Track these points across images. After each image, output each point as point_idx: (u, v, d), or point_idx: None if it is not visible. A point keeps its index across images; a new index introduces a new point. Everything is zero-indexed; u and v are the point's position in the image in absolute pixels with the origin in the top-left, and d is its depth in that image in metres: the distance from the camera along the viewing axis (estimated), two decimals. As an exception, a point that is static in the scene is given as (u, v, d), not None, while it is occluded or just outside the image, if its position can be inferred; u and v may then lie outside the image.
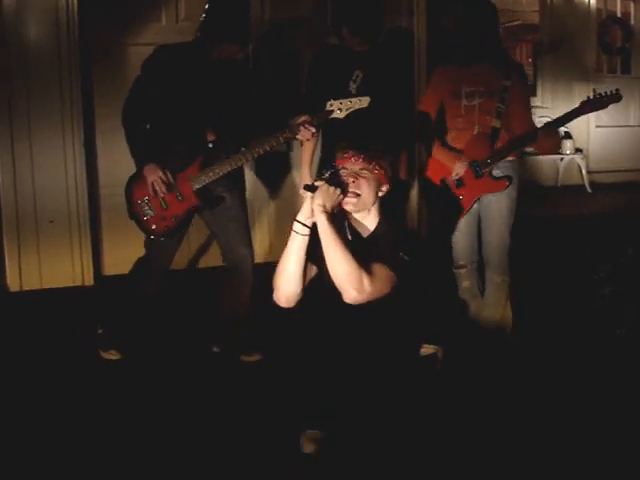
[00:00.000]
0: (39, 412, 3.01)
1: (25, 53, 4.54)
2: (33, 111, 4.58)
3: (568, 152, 7.62)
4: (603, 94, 3.37)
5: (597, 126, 7.93)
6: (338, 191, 2.53)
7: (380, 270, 2.51)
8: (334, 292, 2.50)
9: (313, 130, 3.32)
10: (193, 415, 2.94)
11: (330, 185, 2.52)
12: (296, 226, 2.53)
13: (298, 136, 3.34)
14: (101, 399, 3.12)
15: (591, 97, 3.40)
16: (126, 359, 3.52)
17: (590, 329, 3.79)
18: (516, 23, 9.54)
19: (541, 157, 7.61)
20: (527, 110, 3.56)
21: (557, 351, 3.55)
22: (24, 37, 4.53)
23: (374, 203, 2.67)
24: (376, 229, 2.70)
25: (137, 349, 3.57)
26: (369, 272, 2.47)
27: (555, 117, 3.48)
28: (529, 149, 5.11)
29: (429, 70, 5.23)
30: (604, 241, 5.10)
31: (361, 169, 2.62)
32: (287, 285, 2.57)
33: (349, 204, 2.61)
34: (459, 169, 3.47)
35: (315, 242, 2.53)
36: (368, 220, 2.69)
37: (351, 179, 2.61)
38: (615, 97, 3.37)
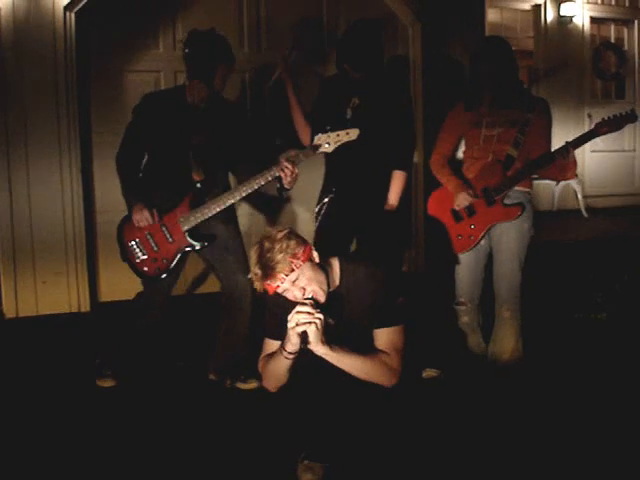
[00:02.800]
0: (34, 437, 2.99)
1: (22, 78, 4.56)
2: (30, 138, 4.59)
3: (564, 177, 7.64)
4: (618, 115, 3.30)
5: (592, 151, 7.98)
6: (322, 316, 2.38)
7: (392, 337, 2.55)
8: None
9: (294, 171, 3.29)
10: (188, 444, 2.92)
11: (313, 323, 2.36)
12: (286, 354, 2.46)
13: (282, 176, 3.30)
14: (97, 427, 3.10)
15: (606, 118, 3.31)
16: (122, 386, 3.51)
17: (587, 352, 3.80)
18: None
19: (537, 182, 7.62)
20: (547, 142, 3.45)
21: (555, 374, 3.54)
22: (21, 62, 4.55)
23: (324, 271, 2.55)
24: (342, 280, 2.61)
25: (133, 376, 3.56)
26: (388, 350, 2.53)
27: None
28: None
29: (425, 98, 5.30)
30: (600, 266, 5.11)
31: (293, 282, 2.45)
32: (279, 383, 2.58)
33: (321, 298, 2.50)
34: (461, 200, 3.43)
35: None
36: (331, 279, 2.60)
37: (299, 296, 2.47)
38: (630, 117, 3.29)
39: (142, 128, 3.46)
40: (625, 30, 8.73)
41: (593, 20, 8.37)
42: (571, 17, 8.10)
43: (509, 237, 3.44)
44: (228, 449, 2.87)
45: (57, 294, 4.72)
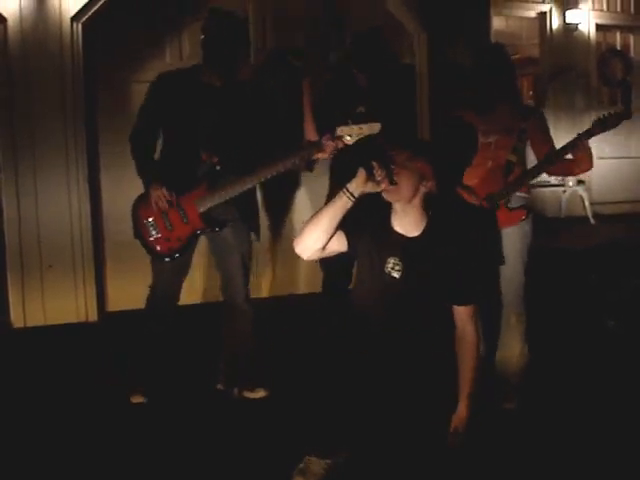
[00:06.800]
0: (41, 448, 3.00)
1: (29, 89, 4.59)
2: (38, 149, 4.62)
3: (571, 184, 7.66)
4: (612, 112, 3.28)
5: (599, 157, 7.89)
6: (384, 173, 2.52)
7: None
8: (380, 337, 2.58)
9: (337, 146, 3.30)
10: (195, 454, 2.92)
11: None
12: (347, 192, 2.55)
13: (320, 154, 3.34)
14: (104, 436, 3.10)
15: (600, 117, 3.29)
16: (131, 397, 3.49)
17: (597, 361, 3.78)
18: (516, 57, 9.62)
19: (544, 189, 7.63)
20: (550, 140, 3.46)
21: (561, 381, 3.55)
22: (28, 72, 4.58)
23: (414, 196, 2.61)
24: (427, 229, 2.65)
25: (143, 386, 3.54)
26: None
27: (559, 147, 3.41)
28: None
29: (431, 107, 5.29)
30: (608, 273, 5.09)
31: (405, 160, 2.58)
32: (312, 234, 2.59)
33: (385, 192, 2.60)
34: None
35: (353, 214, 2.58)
36: (412, 216, 2.64)
37: (379, 172, 2.56)
38: (625, 113, 3.27)
39: (156, 106, 3.42)
40: (631, 37, 8.74)
41: (599, 27, 8.36)
42: (577, 24, 8.11)
43: (512, 240, 3.42)
44: (234, 459, 2.86)
45: (65, 304, 4.73)
